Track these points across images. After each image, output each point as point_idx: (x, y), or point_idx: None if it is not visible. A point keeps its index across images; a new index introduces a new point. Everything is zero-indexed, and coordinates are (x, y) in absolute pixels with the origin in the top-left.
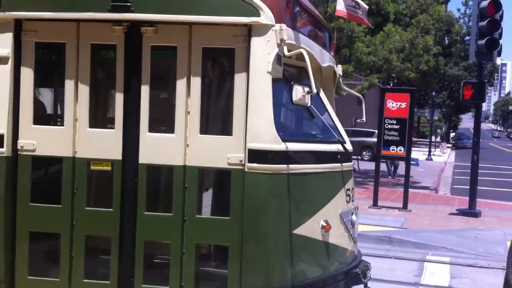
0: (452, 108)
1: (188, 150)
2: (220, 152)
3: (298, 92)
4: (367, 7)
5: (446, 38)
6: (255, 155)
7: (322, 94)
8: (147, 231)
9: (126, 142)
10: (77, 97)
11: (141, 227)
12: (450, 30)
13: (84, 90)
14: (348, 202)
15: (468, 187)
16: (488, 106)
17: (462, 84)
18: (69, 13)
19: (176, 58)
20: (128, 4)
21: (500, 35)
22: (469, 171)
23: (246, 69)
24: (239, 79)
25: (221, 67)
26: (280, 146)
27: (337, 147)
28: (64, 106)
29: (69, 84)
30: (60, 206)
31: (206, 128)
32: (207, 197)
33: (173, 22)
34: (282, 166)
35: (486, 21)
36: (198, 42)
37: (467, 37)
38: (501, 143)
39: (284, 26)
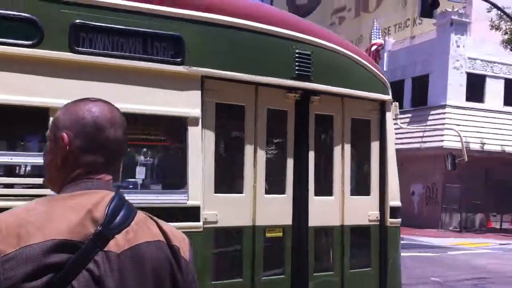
0: None
1: (344, 211)
2: (363, 211)
3: None
4: None
5: None
6: (393, 211)
7: None
8: None
9: (296, 207)
10: (255, 162)
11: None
12: None
13: (261, 155)
14: None
15: None
16: None
17: None
18: (251, 76)
19: (332, 126)
20: (309, 74)
21: None
22: None
23: (379, 138)
24: (374, 147)
25: (362, 136)
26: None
27: None
28: (244, 171)
29: (248, 149)
30: (241, 280)
31: (355, 190)
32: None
33: (333, 93)
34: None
35: None
36: (349, 113)
37: None
38: None
39: (396, 103)
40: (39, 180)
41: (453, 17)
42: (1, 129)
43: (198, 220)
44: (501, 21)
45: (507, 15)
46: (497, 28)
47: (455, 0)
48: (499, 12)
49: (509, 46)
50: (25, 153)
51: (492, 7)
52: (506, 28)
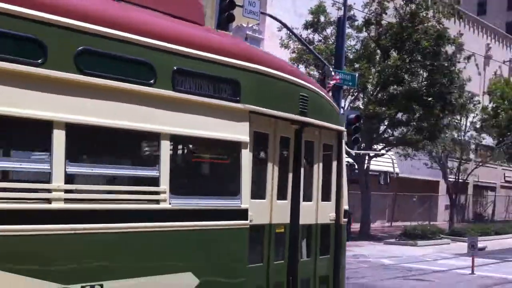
0: None
1: (318, 213)
2: (327, 213)
3: None
4: None
5: None
6: (344, 213)
7: None
8: (302, 272)
9: (293, 210)
10: (273, 176)
11: (300, 270)
12: None
13: (276, 170)
14: None
15: None
16: None
17: None
18: (274, 111)
19: (313, 150)
20: (306, 111)
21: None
22: None
23: (337, 158)
24: (334, 165)
25: (327, 157)
26: None
27: None
28: (266, 182)
29: (269, 166)
30: (262, 264)
31: (323, 197)
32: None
33: (316, 125)
34: None
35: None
36: (322, 140)
37: None
38: None
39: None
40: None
41: (248, 32)
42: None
43: (247, 219)
44: (290, 40)
45: (295, 35)
46: (286, 46)
47: (249, 16)
48: (288, 31)
49: (295, 64)
50: None
51: (282, 26)
52: (294, 47)
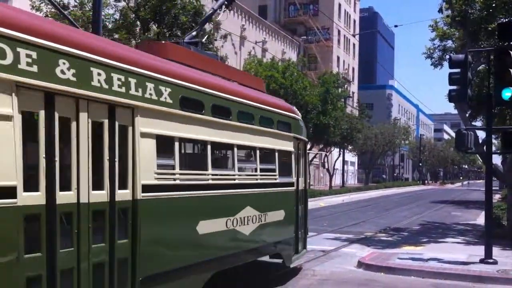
0: None
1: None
2: (302, 185)
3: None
4: None
5: None
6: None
7: None
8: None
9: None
10: (298, 167)
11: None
12: None
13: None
14: None
15: None
16: None
17: None
18: (297, 135)
19: (291, 156)
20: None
21: None
22: None
23: (296, 157)
24: (303, 163)
25: (303, 157)
26: None
27: None
28: (292, 169)
29: (294, 163)
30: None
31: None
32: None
33: (296, 137)
34: None
35: None
36: (298, 148)
37: None
38: None
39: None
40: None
41: None
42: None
43: (294, 187)
44: (42, 2)
45: None
46: (38, 9)
47: None
48: None
49: None
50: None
51: None
52: (47, 11)
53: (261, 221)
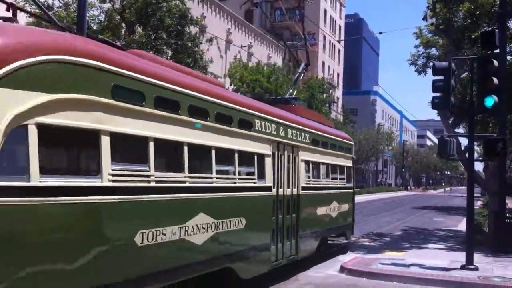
0: None
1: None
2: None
3: None
4: None
5: None
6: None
7: None
8: None
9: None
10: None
11: None
12: None
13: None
14: None
15: None
16: None
17: None
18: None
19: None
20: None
21: None
22: None
23: (353, 170)
24: (352, 172)
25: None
26: None
27: None
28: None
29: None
30: None
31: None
32: None
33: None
34: None
35: None
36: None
37: None
38: None
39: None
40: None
41: None
42: None
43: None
44: (26, 3)
45: None
46: (21, 9)
47: None
48: None
49: None
50: None
51: None
52: (31, 11)
53: (339, 210)
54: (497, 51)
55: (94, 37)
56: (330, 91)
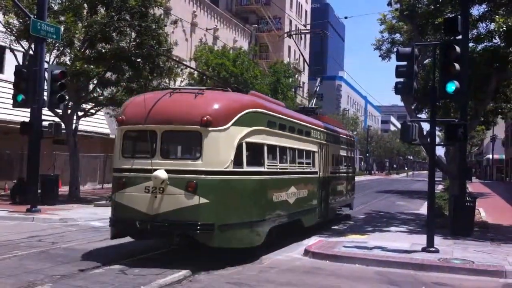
0: None
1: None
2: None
3: None
4: None
5: None
6: None
7: None
8: None
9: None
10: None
11: None
12: None
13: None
14: None
15: None
16: None
17: None
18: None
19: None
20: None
21: None
22: None
23: (354, 158)
24: (354, 160)
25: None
26: None
27: None
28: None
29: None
30: None
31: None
32: None
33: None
34: None
35: None
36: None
37: None
38: None
39: None
40: None
41: None
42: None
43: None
44: None
45: None
46: None
47: None
48: None
49: None
50: None
51: None
52: None
53: (348, 188)
54: (460, 37)
55: (258, 94)
56: (296, 75)
